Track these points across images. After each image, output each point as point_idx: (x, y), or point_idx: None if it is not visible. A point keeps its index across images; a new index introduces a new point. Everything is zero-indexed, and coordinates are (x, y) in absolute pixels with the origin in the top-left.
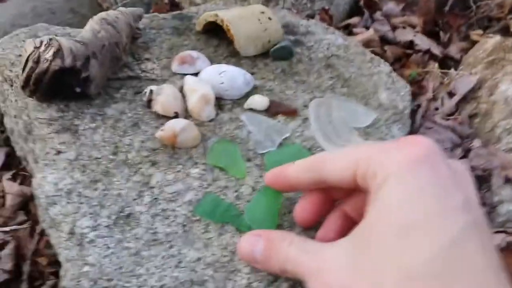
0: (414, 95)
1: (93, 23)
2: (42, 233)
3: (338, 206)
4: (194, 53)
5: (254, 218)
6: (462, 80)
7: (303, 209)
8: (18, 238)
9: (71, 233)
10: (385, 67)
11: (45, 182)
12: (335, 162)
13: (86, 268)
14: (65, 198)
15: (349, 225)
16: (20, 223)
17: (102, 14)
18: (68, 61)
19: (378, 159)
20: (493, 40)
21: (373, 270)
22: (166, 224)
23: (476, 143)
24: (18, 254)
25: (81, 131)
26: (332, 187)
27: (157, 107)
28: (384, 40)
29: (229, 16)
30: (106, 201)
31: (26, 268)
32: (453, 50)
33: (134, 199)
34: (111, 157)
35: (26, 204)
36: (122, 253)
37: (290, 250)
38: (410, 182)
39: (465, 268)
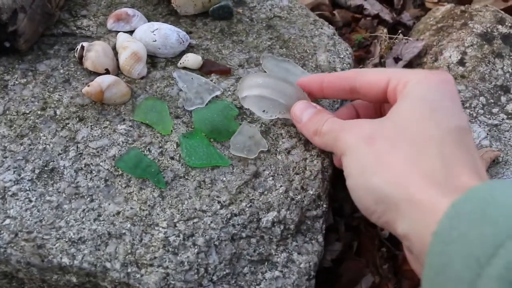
0: (361, 60)
1: None
2: None
3: (352, 102)
4: (130, 11)
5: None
6: (408, 46)
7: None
8: None
9: None
10: (328, 30)
11: None
12: (368, 75)
13: (7, 221)
14: None
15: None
16: None
17: None
18: None
19: (409, 75)
20: (444, 8)
21: (402, 131)
22: (89, 179)
23: None
24: None
25: (10, 86)
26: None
27: (88, 63)
28: (335, 5)
29: None
30: (31, 156)
31: None
32: (406, 17)
33: (59, 154)
34: (39, 112)
35: None
36: (44, 207)
37: (326, 125)
38: (434, 90)
39: (465, 146)
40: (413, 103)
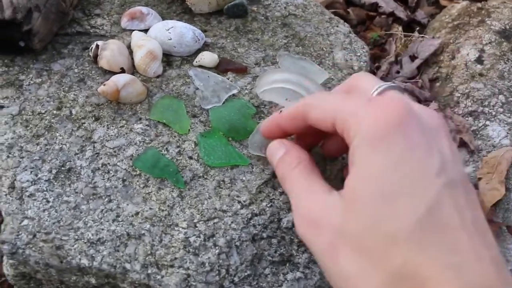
0: (376, 58)
1: None
2: None
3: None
4: (145, 9)
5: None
6: (424, 44)
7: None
8: None
9: (12, 187)
10: (344, 28)
11: None
12: (316, 112)
13: (25, 222)
14: (6, 153)
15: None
16: None
17: None
18: (8, 13)
19: (351, 121)
20: (459, 5)
21: (360, 235)
22: (106, 179)
23: (433, 106)
24: None
25: (25, 86)
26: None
27: (103, 62)
28: (349, 2)
29: None
30: (47, 156)
31: None
32: (420, 14)
33: (76, 154)
34: (55, 112)
35: None
36: (61, 207)
37: (292, 175)
38: (385, 152)
39: (440, 232)
40: (364, 185)
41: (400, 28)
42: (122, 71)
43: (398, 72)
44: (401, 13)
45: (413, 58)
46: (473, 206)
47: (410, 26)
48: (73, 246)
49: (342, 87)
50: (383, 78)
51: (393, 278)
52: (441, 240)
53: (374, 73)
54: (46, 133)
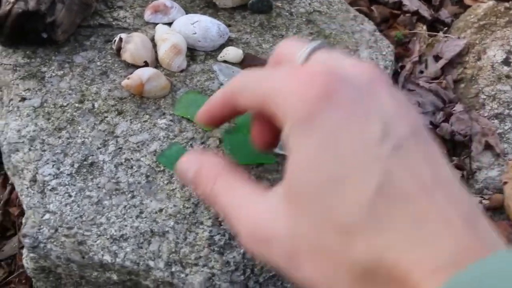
0: (400, 57)
1: None
2: None
3: None
4: (168, 2)
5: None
6: (449, 44)
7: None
8: None
9: (33, 180)
10: (369, 26)
11: (8, 128)
12: (244, 97)
13: (47, 216)
14: (28, 145)
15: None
16: None
17: None
18: (32, 4)
19: (279, 98)
20: (485, 5)
21: (313, 235)
22: (129, 174)
23: (458, 107)
24: None
25: (47, 78)
26: None
27: (126, 55)
28: (372, 0)
29: None
30: (69, 149)
31: None
32: (444, 13)
33: (98, 148)
34: (77, 105)
35: None
36: (84, 202)
37: (216, 192)
38: (317, 132)
39: (396, 206)
40: (303, 176)
41: (425, 27)
42: (146, 64)
43: (422, 72)
44: (425, 12)
45: (437, 58)
46: (431, 161)
47: (433, 25)
48: (95, 241)
49: (272, 59)
50: (406, 78)
51: (360, 274)
52: (400, 214)
53: (398, 73)
54: (68, 126)
